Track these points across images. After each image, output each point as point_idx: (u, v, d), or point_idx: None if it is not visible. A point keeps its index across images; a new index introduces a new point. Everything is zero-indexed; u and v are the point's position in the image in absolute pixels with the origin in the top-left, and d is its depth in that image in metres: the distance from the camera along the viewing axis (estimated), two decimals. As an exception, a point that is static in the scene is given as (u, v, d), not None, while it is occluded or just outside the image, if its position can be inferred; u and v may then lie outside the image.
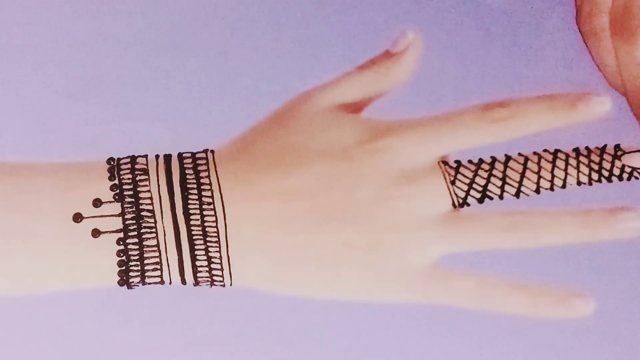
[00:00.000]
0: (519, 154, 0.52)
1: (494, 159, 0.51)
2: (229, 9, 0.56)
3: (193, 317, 0.48)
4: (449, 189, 0.51)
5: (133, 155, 0.51)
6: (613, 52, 0.53)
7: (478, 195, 0.51)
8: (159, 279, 0.49)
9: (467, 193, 0.51)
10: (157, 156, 0.51)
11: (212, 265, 0.49)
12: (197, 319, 0.48)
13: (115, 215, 0.49)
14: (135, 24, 0.56)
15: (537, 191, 0.51)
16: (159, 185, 0.50)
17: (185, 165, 0.51)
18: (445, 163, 0.51)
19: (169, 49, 0.56)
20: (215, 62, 0.56)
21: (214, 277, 0.49)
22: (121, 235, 0.49)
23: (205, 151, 0.52)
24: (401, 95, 0.54)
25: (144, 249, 0.49)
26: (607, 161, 0.51)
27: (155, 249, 0.49)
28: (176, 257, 0.49)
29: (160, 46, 0.56)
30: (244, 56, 0.56)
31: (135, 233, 0.49)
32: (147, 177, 0.50)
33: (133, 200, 0.49)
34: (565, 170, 0.51)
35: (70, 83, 0.56)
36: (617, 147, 0.52)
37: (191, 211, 0.49)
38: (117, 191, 0.49)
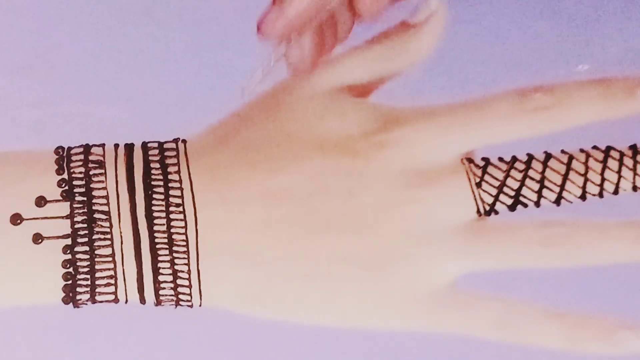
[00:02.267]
0: (562, 152, 0.52)
1: (530, 157, 0.51)
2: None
3: (152, 341, 0.48)
4: (473, 192, 0.51)
5: (87, 144, 0.51)
6: None
7: (509, 201, 0.51)
8: (112, 297, 0.49)
9: (496, 198, 0.51)
10: (116, 145, 0.51)
11: (179, 281, 0.49)
12: (157, 343, 0.48)
13: (62, 217, 0.49)
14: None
15: (583, 197, 0.51)
16: (117, 182, 0.50)
17: (150, 158, 0.51)
18: (470, 161, 0.51)
19: (132, 15, 0.57)
20: (188, 30, 0.56)
21: (180, 296, 0.49)
22: (68, 241, 0.49)
23: (175, 140, 0.52)
24: (419, 77, 0.54)
25: (96, 260, 0.49)
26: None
27: (110, 259, 0.49)
28: (135, 269, 0.49)
29: (122, 13, 0.57)
30: (225, 23, 0.56)
31: (86, 239, 0.49)
32: (103, 171, 0.50)
33: (85, 199, 0.49)
34: (619, 172, 0.51)
35: (12, 57, 0.56)
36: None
37: (155, 214, 0.49)
38: (66, 187, 0.50)
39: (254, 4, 0.56)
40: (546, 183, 0.51)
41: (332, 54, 0.53)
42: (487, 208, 0.51)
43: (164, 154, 0.51)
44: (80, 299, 0.49)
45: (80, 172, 0.50)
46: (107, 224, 0.49)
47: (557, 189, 0.51)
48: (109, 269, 0.49)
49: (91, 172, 0.50)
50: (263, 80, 0.50)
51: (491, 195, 0.51)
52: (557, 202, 0.51)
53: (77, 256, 0.49)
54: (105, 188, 0.50)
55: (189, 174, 0.50)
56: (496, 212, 0.51)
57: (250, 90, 0.50)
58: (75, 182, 0.50)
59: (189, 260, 0.49)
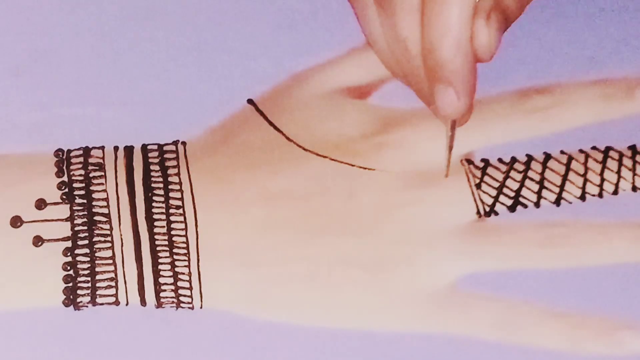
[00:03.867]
0: (561, 152, 0.52)
1: (530, 158, 0.51)
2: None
3: (152, 343, 0.48)
4: (473, 193, 0.51)
5: (86, 147, 0.51)
6: (378, 20, 0.51)
7: (509, 202, 0.51)
8: (113, 299, 0.49)
9: (496, 199, 0.51)
10: (115, 148, 0.52)
11: (179, 283, 0.49)
12: (157, 345, 0.48)
13: (62, 220, 0.49)
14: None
15: (583, 198, 0.51)
16: (117, 184, 0.50)
17: (150, 160, 0.51)
18: (470, 162, 0.51)
19: (132, 18, 0.57)
20: (188, 32, 0.56)
21: (181, 298, 0.49)
22: (69, 244, 0.49)
23: (175, 143, 0.52)
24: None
25: (96, 262, 0.49)
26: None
27: (110, 261, 0.49)
28: (135, 272, 0.49)
29: (122, 15, 0.57)
30: (225, 25, 0.56)
31: (86, 242, 0.49)
32: (102, 173, 0.50)
33: (85, 201, 0.50)
34: (618, 172, 0.51)
35: (11, 59, 0.56)
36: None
37: (155, 216, 0.50)
38: (66, 190, 0.50)
39: (254, 5, 0.56)
40: (546, 184, 0.51)
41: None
42: (487, 209, 0.51)
43: (164, 156, 0.51)
44: (81, 302, 0.49)
45: (80, 175, 0.50)
46: (108, 227, 0.49)
47: (557, 190, 0.51)
48: (109, 272, 0.49)
49: (91, 175, 0.50)
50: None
51: (491, 196, 0.51)
52: (557, 202, 0.51)
53: (78, 258, 0.49)
54: (105, 190, 0.50)
55: (189, 176, 0.50)
56: (496, 213, 0.51)
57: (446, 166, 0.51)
58: (75, 185, 0.50)
59: (189, 262, 0.49)
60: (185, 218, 0.50)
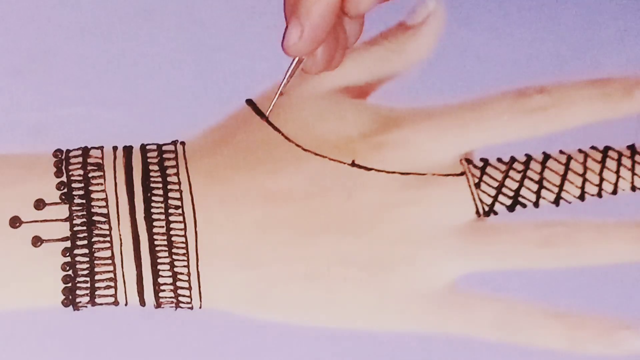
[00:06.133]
0: (560, 152, 0.52)
1: (529, 158, 0.51)
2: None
3: (152, 343, 0.48)
4: (472, 193, 0.51)
5: (85, 147, 0.51)
6: None
7: (508, 202, 0.51)
8: (112, 299, 0.49)
9: (495, 199, 0.51)
10: (114, 148, 0.51)
11: (179, 283, 0.49)
12: (157, 345, 0.48)
13: (62, 220, 0.49)
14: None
15: (582, 197, 0.51)
16: (116, 184, 0.50)
17: (149, 160, 0.51)
18: (469, 162, 0.51)
19: (131, 18, 0.56)
20: (187, 32, 0.56)
21: (180, 298, 0.49)
22: (68, 244, 0.49)
23: (174, 142, 0.52)
24: (417, 78, 0.54)
25: (95, 262, 0.49)
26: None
27: (109, 261, 0.49)
28: (134, 272, 0.49)
29: (121, 15, 0.57)
30: (224, 25, 0.56)
31: (85, 242, 0.49)
32: (101, 173, 0.50)
33: (84, 201, 0.49)
34: (617, 172, 0.51)
35: (10, 59, 0.56)
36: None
37: (154, 216, 0.49)
38: (65, 190, 0.50)
39: (253, 6, 0.56)
40: (545, 183, 0.51)
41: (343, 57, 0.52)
42: (486, 209, 0.50)
43: (163, 156, 0.51)
44: (80, 302, 0.49)
45: (79, 175, 0.50)
46: (107, 227, 0.49)
47: (556, 190, 0.51)
48: (108, 272, 0.49)
49: (90, 175, 0.50)
50: (280, 93, 0.50)
51: (490, 195, 0.51)
52: (556, 202, 0.51)
53: (77, 259, 0.49)
54: (104, 190, 0.50)
55: (188, 176, 0.50)
56: (495, 213, 0.51)
57: (271, 106, 0.50)
58: (74, 185, 0.50)
59: (188, 263, 0.49)
60: (184, 218, 0.49)
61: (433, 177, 0.50)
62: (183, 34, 0.54)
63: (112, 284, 0.49)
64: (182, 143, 0.52)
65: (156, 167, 0.51)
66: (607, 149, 0.52)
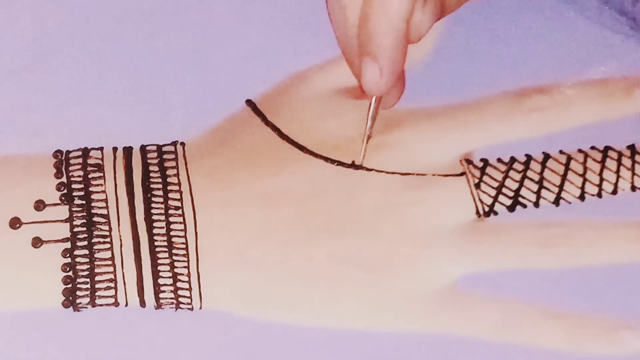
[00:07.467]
0: (560, 152, 0.52)
1: (529, 158, 0.51)
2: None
3: (152, 344, 0.48)
4: (472, 193, 0.51)
5: (85, 148, 0.51)
6: None
7: (508, 202, 0.51)
8: (112, 300, 0.49)
9: (495, 199, 0.51)
10: (114, 149, 0.52)
11: (179, 284, 0.49)
12: (157, 346, 0.48)
13: (62, 221, 0.49)
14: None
15: (582, 197, 0.51)
16: (116, 185, 0.50)
17: (149, 161, 0.51)
18: (469, 162, 0.51)
19: (131, 18, 0.56)
20: (187, 33, 0.56)
21: (181, 299, 0.49)
22: (68, 245, 0.49)
23: (174, 143, 0.52)
24: (417, 78, 0.54)
25: (95, 263, 0.49)
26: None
27: (109, 262, 0.49)
28: (134, 273, 0.49)
29: (121, 16, 0.56)
30: (224, 26, 0.56)
31: (85, 243, 0.49)
32: (101, 174, 0.50)
33: (84, 202, 0.50)
34: (617, 172, 0.52)
35: (10, 60, 0.56)
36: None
37: (155, 217, 0.50)
38: (65, 191, 0.50)
39: (253, 6, 0.56)
40: (545, 184, 0.51)
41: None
42: (486, 209, 0.51)
43: (163, 156, 0.51)
44: (80, 303, 0.49)
45: (79, 176, 0.50)
46: (107, 227, 0.49)
47: (556, 190, 0.51)
48: (108, 273, 0.49)
49: (90, 176, 0.50)
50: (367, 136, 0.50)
51: (490, 196, 0.51)
52: (556, 202, 0.51)
53: (77, 260, 0.49)
54: (104, 191, 0.50)
55: (188, 176, 0.50)
56: (495, 213, 0.51)
57: (362, 151, 0.51)
58: (74, 186, 0.50)
59: (188, 263, 0.49)
60: (184, 219, 0.50)
61: (433, 177, 0.51)
62: (183, 34, 0.54)
63: (112, 284, 0.49)
64: (182, 144, 0.52)
65: (156, 168, 0.51)
66: (607, 149, 0.52)
